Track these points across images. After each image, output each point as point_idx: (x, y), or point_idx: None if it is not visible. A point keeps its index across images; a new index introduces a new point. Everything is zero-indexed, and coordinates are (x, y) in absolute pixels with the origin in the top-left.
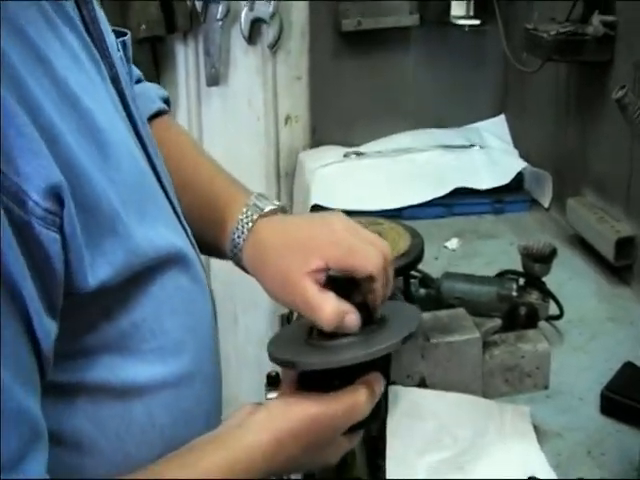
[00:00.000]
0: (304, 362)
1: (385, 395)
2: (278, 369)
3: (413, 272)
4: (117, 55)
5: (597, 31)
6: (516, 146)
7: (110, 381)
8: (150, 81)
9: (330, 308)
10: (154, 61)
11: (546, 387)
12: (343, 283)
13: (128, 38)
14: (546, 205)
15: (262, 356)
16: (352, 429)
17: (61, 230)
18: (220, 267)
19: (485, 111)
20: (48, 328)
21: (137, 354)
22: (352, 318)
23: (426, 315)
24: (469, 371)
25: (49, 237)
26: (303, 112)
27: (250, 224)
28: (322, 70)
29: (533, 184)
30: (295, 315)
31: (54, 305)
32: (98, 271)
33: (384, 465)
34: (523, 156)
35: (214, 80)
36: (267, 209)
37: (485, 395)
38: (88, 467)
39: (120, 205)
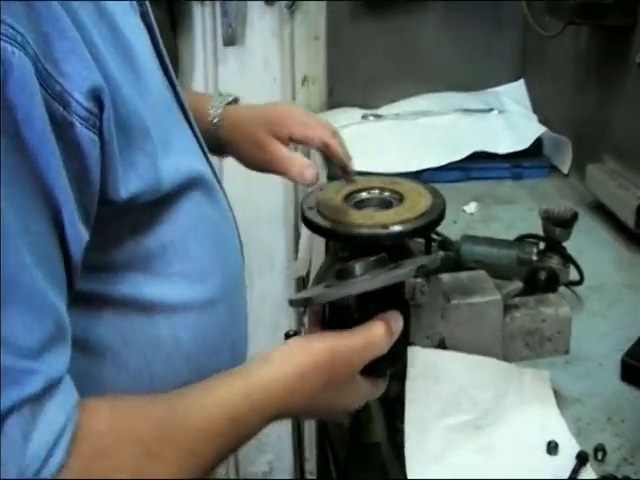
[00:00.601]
0: (317, 295)
1: (405, 344)
2: (295, 328)
3: (432, 235)
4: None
5: None
6: (535, 111)
7: (135, 296)
8: (167, 40)
9: (297, 161)
10: (171, 20)
11: (567, 352)
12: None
13: None
14: (565, 171)
15: (278, 319)
16: (373, 371)
17: (100, 133)
18: None
19: (504, 75)
20: (80, 234)
21: (163, 275)
22: (310, 172)
23: (446, 276)
24: (489, 333)
25: (90, 138)
26: (320, 73)
27: (220, 110)
28: (340, 31)
29: (552, 150)
30: (311, 281)
31: (88, 212)
32: (129, 183)
33: (402, 428)
34: (542, 121)
35: (231, 40)
36: (230, 98)
37: (505, 358)
38: (111, 377)
39: (151, 124)
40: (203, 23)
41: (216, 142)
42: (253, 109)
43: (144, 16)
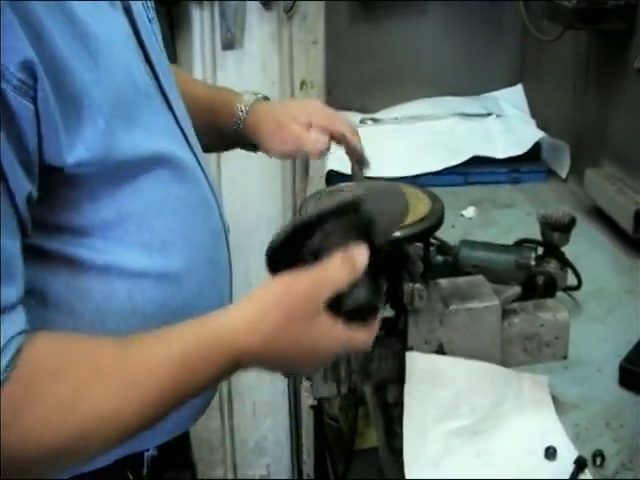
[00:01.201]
0: (276, 234)
1: (379, 279)
2: None
3: (431, 239)
4: None
5: (618, 0)
6: (533, 115)
7: (93, 260)
8: (165, 43)
9: (312, 136)
10: (170, 24)
11: (565, 357)
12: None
13: None
14: (563, 175)
15: None
16: (349, 313)
17: (35, 101)
18: (235, 236)
19: (503, 80)
20: (22, 186)
21: (121, 243)
22: (321, 145)
23: (444, 282)
24: (488, 339)
25: (23, 105)
26: (319, 77)
27: (247, 106)
28: (338, 35)
29: (550, 154)
30: None
31: (30, 170)
32: (75, 151)
33: (401, 432)
34: (541, 126)
35: (229, 44)
36: (259, 95)
37: (503, 364)
38: (67, 327)
39: (106, 103)
40: (202, 27)
41: (241, 132)
42: (276, 105)
43: (127, 11)
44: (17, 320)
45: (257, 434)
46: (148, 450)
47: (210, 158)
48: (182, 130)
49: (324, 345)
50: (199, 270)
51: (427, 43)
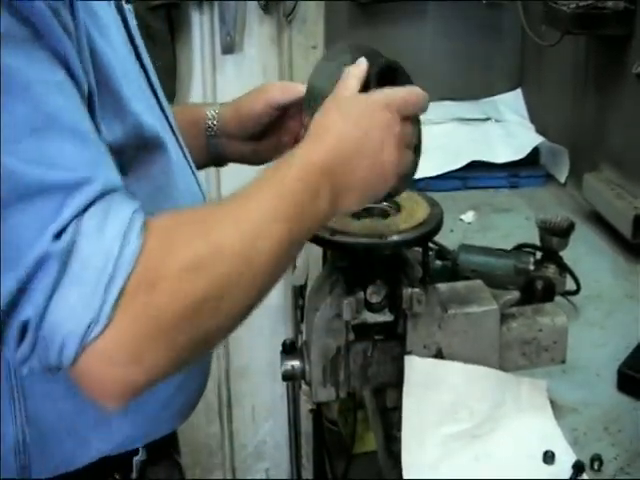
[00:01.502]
0: None
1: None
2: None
3: (430, 244)
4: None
5: (617, 5)
6: (532, 120)
7: None
8: (165, 48)
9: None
10: (169, 28)
11: (563, 361)
12: None
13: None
14: (562, 180)
15: (276, 327)
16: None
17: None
18: None
19: (502, 84)
20: (81, 83)
21: None
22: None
23: (443, 286)
24: (486, 343)
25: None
26: None
27: (217, 110)
28: (338, 39)
29: (549, 159)
30: (308, 289)
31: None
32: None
33: (399, 436)
34: (539, 130)
35: (229, 48)
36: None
37: (502, 368)
38: None
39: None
40: (201, 31)
41: (215, 139)
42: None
43: (120, 9)
44: (129, 198)
45: (256, 438)
46: (137, 454)
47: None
48: (159, 102)
49: (377, 104)
50: None
51: (426, 47)
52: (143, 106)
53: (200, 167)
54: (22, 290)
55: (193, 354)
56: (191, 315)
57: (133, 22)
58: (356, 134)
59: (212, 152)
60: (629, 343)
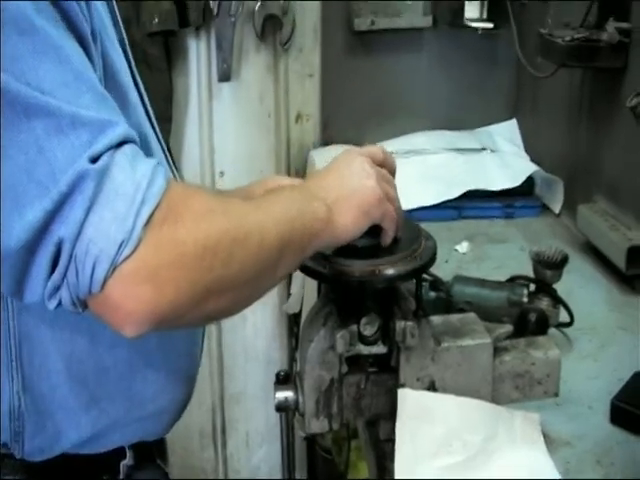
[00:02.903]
0: None
1: None
2: (287, 368)
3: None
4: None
5: (612, 38)
6: (527, 151)
7: None
8: (162, 74)
9: None
10: (166, 54)
11: (556, 394)
12: None
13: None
14: (557, 211)
15: (271, 353)
16: None
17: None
18: None
19: (497, 115)
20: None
21: None
22: None
23: (436, 318)
24: (479, 376)
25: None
26: (314, 110)
27: None
28: (334, 68)
29: (544, 189)
30: (303, 318)
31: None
32: None
33: (392, 468)
34: (534, 161)
35: (226, 75)
36: None
37: (495, 401)
38: None
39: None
40: (198, 58)
41: None
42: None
43: (122, 42)
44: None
45: (250, 464)
46: (125, 457)
47: (206, 172)
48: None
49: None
50: None
51: (422, 77)
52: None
53: None
54: (54, 212)
55: (206, 298)
56: (207, 254)
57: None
58: (341, 172)
59: None
60: (622, 375)
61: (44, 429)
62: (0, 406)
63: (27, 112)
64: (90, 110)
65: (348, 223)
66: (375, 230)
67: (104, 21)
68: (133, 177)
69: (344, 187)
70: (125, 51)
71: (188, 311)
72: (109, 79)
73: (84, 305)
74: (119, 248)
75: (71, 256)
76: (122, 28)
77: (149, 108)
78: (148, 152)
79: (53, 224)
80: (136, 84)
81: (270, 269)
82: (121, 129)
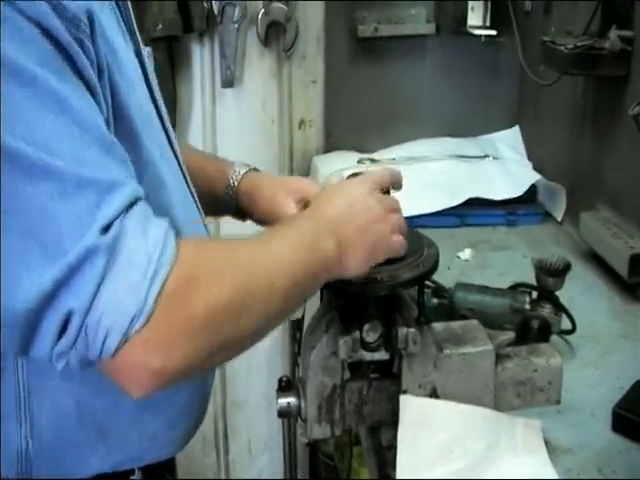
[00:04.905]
0: None
1: None
2: (289, 374)
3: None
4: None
5: (614, 46)
6: (530, 158)
7: None
8: (165, 80)
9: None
10: (170, 61)
11: (558, 402)
12: None
13: (150, 50)
14: (559, 218)
15: (273, 362)
16: None
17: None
18: None
19: (500, 122)
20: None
21: None
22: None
23: (439, 326)
24: (481, 383)
25: (90, 48)
26: (317, 116)
27: (241, 173)
28: (337, 75)
29: (547, 197)
30: (305, 325)
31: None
32: None
33: (394, 475)
34: (537, 169)
35: (229, 82)
36: (251, 166)
37: (497, 408)
38: None
39: (139, 124)
40: (202, 64)
41: (233, 200)
42: (269, 176)
43: (137, 54)
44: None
45: (252, 471)
46: (133, 473)
47: None
48: (183, 174)
49: (385, 227)
50: None
51: (425, 84)
52: (154, 145)
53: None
54: (63, 283)
55: (214, 357)
56: (217, 318)
57: (150, 66)
58: (352, 208)
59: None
60: (624, 384)
61: (52, 469)
62: (5, 450)
63: (31, 173)
64: (97, 168)
65: (357, 263)
66: None
67: (113, 45)
68: (146, 245)
69: (353, 223)
70: (142, 63)
71: (195, 370)
72: (119, 117)
73: (92, 365)
74: (132, 321)
75: (81, 326)
76: (139, 38)
77: (167, 124)
78: (165, 174)
79: (62, 294)
80: (154, 98)
81: (278, 317)
82: (129, 189)
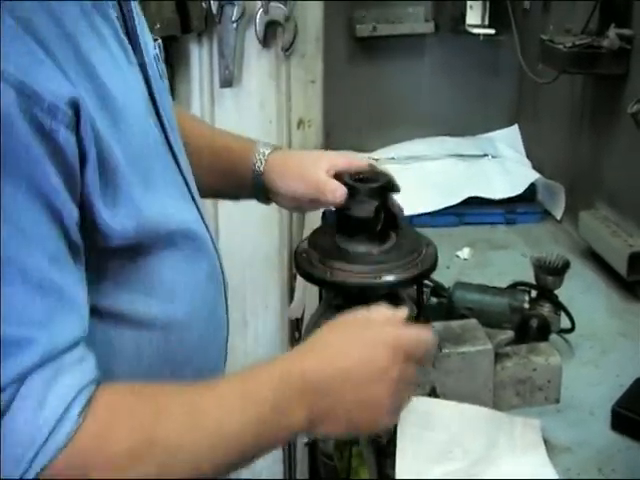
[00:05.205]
0: None
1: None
2: None
3: (425, 281)
4: (152, 51)
5: (613, 44)
6: (529, 157)
7: (105, 307)
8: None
9: (330, 184)
10: (168, 61)
11: (557, 401)
12: None
13: (160, 42)
14: (558, 217)
15: None
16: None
17: (77, 132)
18: (230, 273)
19: (499, 121)
20: (71, 214)
21: (132, 292)
22: (340, 192)
23: (438, 325)
24: (480, 382)
25: (69, 138)
26: (316, 116)
27: (267, 152)
28: (336, 75)
29: (546, 195)
30: (305, 324)
31: (75, 195)
32: (119, 218)
33: (393, 475)
34: (536, 167)
35: (228, 82)
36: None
37: (496, 407)
38: None
39: (127, 168)
40: (200, 64)
41: (260, 179)
42: (297, 152)
43: (142, 67)
44: (86, 368)
45: (252, 469)
46: None
47: None
48: (187, 184)
49: (382, 339)
50: (200, 322)
51: (424, 83)
52: (167, 195)
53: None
54: None
55: None
56: None
57: (161, 84)
58: (353, 362)
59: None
60: (623, 382)
61: None
62: None
63: None
64: (8, 318)
65: (328, 433)
66: (376, 236)
67: (116, 102)
68: (35, 421)
69: (345, 395)
70: (147, 78)
71: None
72: (110, 177)
73: None
74: None
75: None
76: (143, 52)
77: (176, 148)
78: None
79: None
80: (159, 116)
81: None
82: (41, 348)
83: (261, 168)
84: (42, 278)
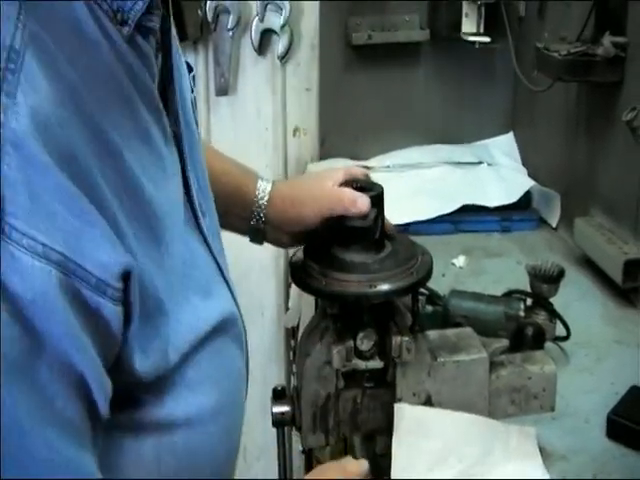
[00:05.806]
0: None
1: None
2: (283, 383)
3: (420, 290)
4: (190, 96)
5: (608, 52)
6: (525, 164)
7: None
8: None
9: (352, 195)
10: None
11: (552, 409)
12: None
13: (194, 73)
14: (554, 225)
15: (268, 370)
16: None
17: (126, 299)
18: None
19: (494, 128)
20: (106, 388)
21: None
22: (362, 201)
23: (433, 333)
24: (475, 391)
25: (116, 310)
26: (312, 124)
27: (268, 187)
28: (332, 82)
29: (541, 203)
30: (300, 333)
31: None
32: (143, 361)
33: None
34: (532, 175)
35: (223, 90)
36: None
37: (491, 415)
38: None
39: (165, 294)
40: (195, 73)
41: (262, 217)
42: (301, 177)
43: (177, 139)
44: None
45: (248, 477)
46: None
47: None
48: (219, 266)
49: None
50: (223, 413)
51: (419, 91)
52: (199, 292)
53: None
54: None
55: None
56: None
57: (194, 140)
58: None
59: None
60: (619, 390)
61: None
62: None
63: None
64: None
65: None
66: (372, 245)
67: (151, 208)
68: None
69: None
70: (181, 150)
71: None
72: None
73: None
74: None
75: None
76: (179, 114)
77: (201, 221)
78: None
79: None
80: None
81: None
82: None
83: (264, 201)
84: (68, 462)
